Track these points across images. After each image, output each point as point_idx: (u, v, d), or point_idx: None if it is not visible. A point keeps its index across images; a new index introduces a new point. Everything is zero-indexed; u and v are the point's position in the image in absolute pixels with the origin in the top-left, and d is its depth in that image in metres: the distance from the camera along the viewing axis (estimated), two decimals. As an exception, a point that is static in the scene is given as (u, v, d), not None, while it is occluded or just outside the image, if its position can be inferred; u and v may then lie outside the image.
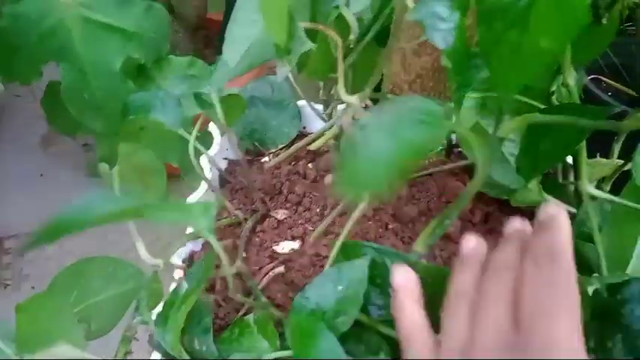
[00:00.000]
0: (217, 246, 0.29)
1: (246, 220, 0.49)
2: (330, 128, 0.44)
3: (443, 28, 0.29)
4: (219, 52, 0.53)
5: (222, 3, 0.94)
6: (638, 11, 1.06)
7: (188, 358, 0.35)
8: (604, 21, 0.39)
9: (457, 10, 0.29)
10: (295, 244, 0.47)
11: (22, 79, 0.62)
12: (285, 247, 0.47)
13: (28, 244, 0.31)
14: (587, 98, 0.87)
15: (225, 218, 0.50)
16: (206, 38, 1.00)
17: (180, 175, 0.69)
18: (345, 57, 0.45)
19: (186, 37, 0.92)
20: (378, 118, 0.31)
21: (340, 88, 0.38)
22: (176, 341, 0.34)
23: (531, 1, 0.28)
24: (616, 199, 0.41)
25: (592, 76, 0.90)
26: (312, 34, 0.43)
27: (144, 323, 0.36)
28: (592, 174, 0.49)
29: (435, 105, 0.31)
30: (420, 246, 0.36)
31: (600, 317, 0.32)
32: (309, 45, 0.36)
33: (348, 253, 0.38)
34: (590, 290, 0.32)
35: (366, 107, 0.40)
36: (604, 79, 0.94)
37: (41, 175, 1.04)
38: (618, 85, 0.95)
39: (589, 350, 0.31)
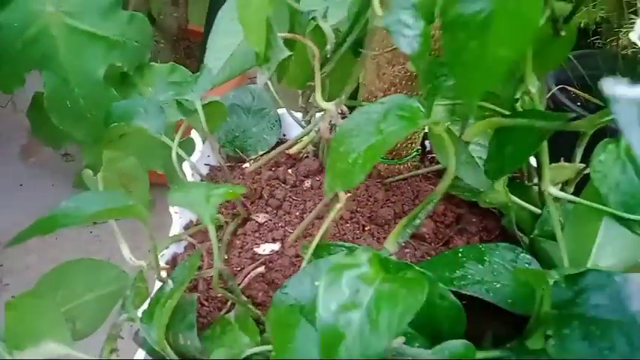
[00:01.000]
0: (214, 234, 0.31)
1: (227, 223, 0.51)
2: (308, 133, 0.46)
3: (408, 35, 0.31)
4: (200, 62, 0.55)
5: (202, 15, 0.96)
6: (604, 25, 1.11)
7: (173, 353, 0.36)
8: (562, 33, 0.42)
9: (422, 18, 0.31)
10: (275, 246, 0.49)
11: (5, 88, 0.63)
12: (265, 248, 0.49)
13: (20, 236, 0.32)
14: (557, 107, 0.91)
15: (207, 221, 0.51)
16: (187, 49, 1.01)
17: (168, 181, 0.70)
18: (322, 66, 0.47)
19: (168, 47, 0.94)
20: (366, 114, 0.33)
21: (317, 95, 0.41)
22: (161, 337, 0.36)
23: (491, 13, 0.30)
24: (576, 199, 0.43)
25: (560, 86, 0.94)
26: (290, 44, 0.45)
27: (130, 320, 0.37)
28: (556, 177, 0.51)
29: (414, 101, 0.34)
30: (390, 244, 0.38)
31: (559, 307, 0.34)
32: (287, 53, 0.38)
33: (321, 253, 0.40)
34: (551, 282, 0.35)
35: (342, 114, 0.42)
36: (572, 89, 0.98)
37: (21, 185, 1.04)
38: (586, 95, 0.99)
39: (547, 338, 0.34)
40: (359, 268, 0.29)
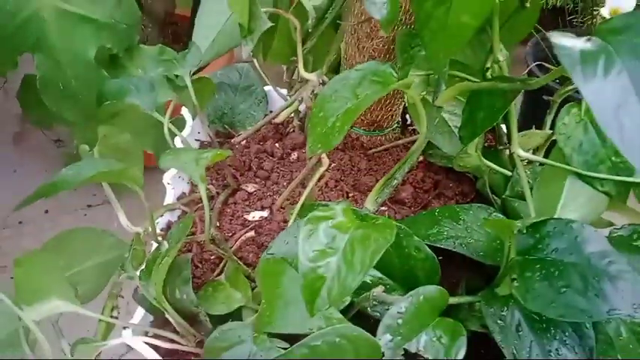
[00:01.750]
0: (204, 191, 0.34)
1: (218, 193, 0.54)
2: (293, 103, 0.49)
3: (377, 2, 0.34)
4: (188, 46, 0.57)
5: (189, 0, 0.98)
6: (581, 4, 1.14)
7: (170, 307, 0.39)
8: (527, 5, 0.45)
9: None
10: (265, 213, 0.52)
11: (-2, 70, 0.65)
12: (255, 215, 0.51)
13: (29, 198, 0.35)
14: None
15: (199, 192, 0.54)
16: (174, 34, 1.03)
17: (157, 161, 0.72)
18: (304, 42, 0.50)
19: (155, 32, 0.95)
20: (344, 80, 0.36)
21: (300, 66, 0.43)
22: (159, 292, 0.38)
23: (454, -16, 0.33)
24: (542, 159, 0.47)
25: (538, 63, 0.97)
26: (274, 21, 0.48)
27: (129, 278, 0.40)
28: (527, 143, 0.55)
29: (387, 67, 0.37)
30: (369, 203, 0.41)
31: (523, 253, 0.38)
32: (269, 24, 0.40)
33: (304, 214, 0.43)
34: (515, 231, 0.38)
35: (323, 84, 0.45)
36: (549, 66, 1.01)
37: (14, 171, 1.06)
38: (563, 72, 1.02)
39: (512, 281, 0.37)
40: (334, 219, 0.32)
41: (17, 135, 1.13)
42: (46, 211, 0.98)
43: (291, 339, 0.33)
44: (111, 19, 0.64)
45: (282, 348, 0.32)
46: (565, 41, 0.26)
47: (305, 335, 0.31)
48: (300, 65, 0.43)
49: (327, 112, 0.36)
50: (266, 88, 0.65)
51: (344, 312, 0.37)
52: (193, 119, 0.60)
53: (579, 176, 0.46)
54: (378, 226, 0.31)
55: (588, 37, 0.27)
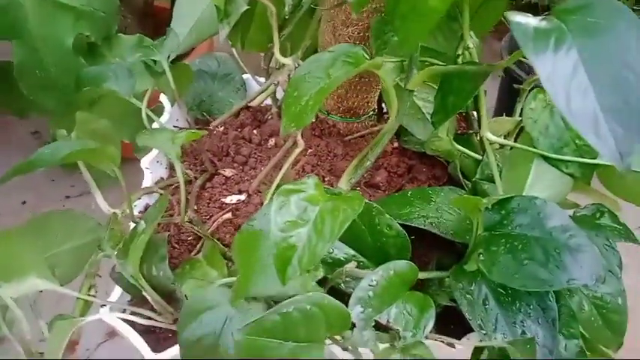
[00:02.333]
0: (180, 169, 0.35)
1: (196, 178, 0.55)
2: (269, 87, 0.50)
3: (348, -15, 0.35)
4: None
5: (170, -9, 0.98)
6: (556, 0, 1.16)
7: (147, 284, 0.40)
8: (496, -7, 0.47)
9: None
10: (242, 197, 0.52)
11: (-25, 57, 0.65)
12: (232, 199, 0.52)
13: (5, 176, 0.36)
14: (510, 76, 0.96)
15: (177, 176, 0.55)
16: (154, 25, 1.03)
17: (134, 151, 0.73)
18: (281, 29, 0.51)
19: (135, 22, 0.95)
20: (317, 62, 0.37)
21: (276, 51, 0.44)
22: (136, 269, 0.39)
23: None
24: (510, 143, 0.49)
25: (513, 57, 0.99)
26: (251, 10, 0.48)
27: (107, 256, 0.41)
28: (498, 129, 0.56)
29: (359, 49, 0.38)
30: (343, 183, 0.42)
31: (489, 229, 0.39)
32: (245, 7, 0.41)
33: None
34: (482, 208, 0.39)
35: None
36: (523, 59, 1.04)
37: (-9, 162, 1.05)
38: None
39: (479, 256, 0.39)
40: (305, 192, 0.33)
41: (-6, 127, 1.12)
42: (24, 202, 0.98)
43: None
44: (89, 6, 0.65)
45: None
46: (520, 19, 0.28)
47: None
48: (277, 50, 0.44)
49: (301, 91, 0.37)
50: (244, 76, 0.65)
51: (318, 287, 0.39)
52: (172, 106, 0.61)
53: (545, 159, 0.47)
54: (347, 199, 0.33)
55: (544, 16, 0.29)
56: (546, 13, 0.32)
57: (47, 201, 0.97)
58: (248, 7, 0.42)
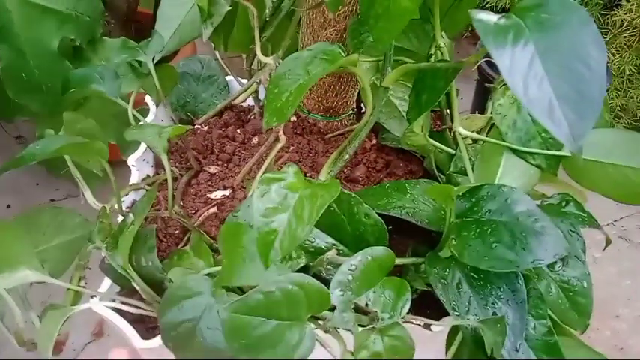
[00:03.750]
0: (167, 163, 0.36)
1: (182, 175, 0.56)
2: (251, 85, 0.52)
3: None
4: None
5: (151, -3, 0.99)
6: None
7: (136, 275, 0.41)
8: (465, -4, 0.50)
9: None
10: (227, 192, 0.54)
11: (-40, 61, 0.66)
12: (217, 194, 0.54)
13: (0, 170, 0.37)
14: (483, 76, 0.99)
15: (163, 174, 0.56)
16: (137, 30, 1.04)
17: (121, 152, 0.74)
18: (262, 31, 0.53)
19: (118, 27, 0.97)
20: (296, 59, 0.39)
21: (258, 51, 0.46)
22: (125, 260, 0.41)
23: (393, -30, 0.37)
24: (481, 137, 0.51)
25: (487, 60, 1.03)
26: (233, 12, 0.51)
27: (96, 248, 0.42)
28: (470, 126, 0.59)
29: (336, 48, 0.40)
30: (323, 175, 0.44)
31: (460, 216, 0.42)
32: (227, 7, 0.43)
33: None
34: (454, 196, 0.42)
35: (279, 67, 0.48)
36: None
37: (-25, 167, 1.05)
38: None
39: (452, 240, 0.41)
40: (285, 181, 0.35)
41: (-23, 133, 1.12)
42: (9, 206, 0.98)
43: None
44: (74, 11, 0.66)
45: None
46: (482, 16, 0.30)
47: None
48: (258, 50, 0.46)
49: (282, 87, 0.39)
50: (227, 78, 0.67)
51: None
52: (157, 107, 0.62)
53: (514, 152, 0.50)
54: (324, 186, 0.35)
55: (503, 14, 0.32)
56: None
57: (32, 204, 0.98)
58: (230, 7, 0.44)
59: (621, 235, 1.01)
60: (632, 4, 1.04)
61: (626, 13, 1.05)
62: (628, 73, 1.04)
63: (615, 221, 1.03)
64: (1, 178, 1.03)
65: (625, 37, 1.05)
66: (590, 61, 0.29)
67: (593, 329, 0.82)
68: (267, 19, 0.52)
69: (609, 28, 1.08)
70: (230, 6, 0.48)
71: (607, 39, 1.07)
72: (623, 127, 1.06)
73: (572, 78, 0.29)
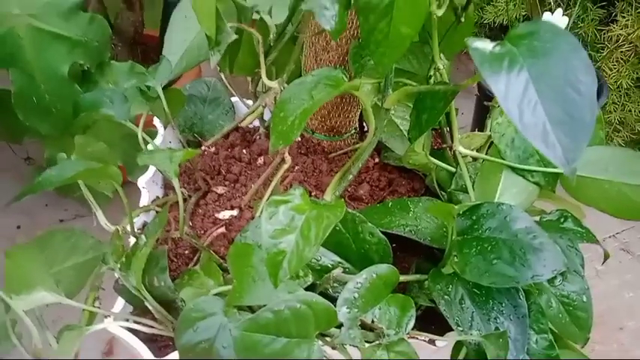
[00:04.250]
0: (178, 186, 0.38)
1: (190, 196, 0.58)
2: (257, 108, 0.54)
3: (327, 15, 0.39)
4: (157, 62, 0.61)
5: (157, 20, 1.02)
6: (525, 22, 1.23)
7: (149, 294, 0.43)
8: (462, 20, 0.52)
9: (337, 2, 0.39)
10: (234, 212, 0.56)
11: (-26, 87, 0.68)
12: (225, 214, 0.56)
13: (17, 197, 0.39)
14: (483, 92, 1.01)
15: (172, 195, 0.58)
16: (143, 52, 1.07)
17: (127, 173, 0.76)
18: (267, 54, 0.55)
19: (125, 50, 0.99)
20: (301, 84, 0.41)
21: (263, 75, 0.48)
22: (139, 280, 0.42)
23: (393, 0, 0.38)
24: (480, 155, 0.53)
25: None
26: (239, 36, 0.53)
27: (110, 269, 0.43)
28: (470, 144, 0.61)
29: (338, 72, 0.42)
30: (328, 195, 0.46)
31: (461, 233, 0.43)
32: (234, 37, 0.45)
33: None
34: (455, 215, 0.43)
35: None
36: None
37: (-16, 189, 1.07)
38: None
39: (454, 257, 0.42)
40: (292, 202, 0.36)
41: (-14, 154, 1.14)
42: (19, 227, 1.00)
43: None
44: (83, 37, 0.68)
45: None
46: (478, 44, 0.32)
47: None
48: (264, 74, 0.48)
49: (287, 112, 0.41)
50: (233, 99, 0.69)
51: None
52: (165, 129, 0.64)
53: (513, 169, 0.52)
54: (330, 207, 0.36)
55: (498, 42, 0.33)
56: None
57: (41, 225, 0.99)
58: (237, 36, 0.46)
59: (623, 247, 1.02)
60: (628, 20, 1.06)
61: (622, 29, 1.07)
62: (625, 87, 1.05)
63: (617, 233, 1.04)
64: (10, 198, 1.04)
65: (621, 51, 1.07)
66: (580, 86, 0.30)
67: (597, 342, 0.83)
68: (272, 44, 0.53)
69: (606, 43, 1.10)
70: (236, 32, 0.49)
71: (604, 54, 1.09)
72: (622, 140, 1.08)
73: (564, 103, 0.30)
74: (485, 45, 0.32)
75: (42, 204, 1.03)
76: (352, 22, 0.52)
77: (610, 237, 1.02)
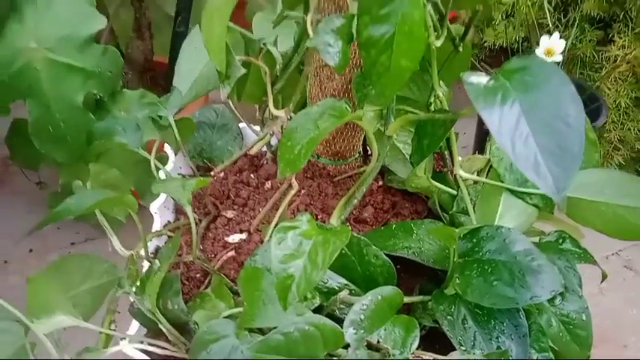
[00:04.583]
0: (191, 212, 0.40)
1: (200, 220, 0.60)
2: (265, 137, 0.56)
3: (331, 52, 0.42)
4: (165, 89, 0.64)
5: (165, 47, 1.05)
6: (525, 44, 1.25)
7: (163, 317, 0.45)
8: (460, 49, 0.54)
9: (341, 39, 0.42)
10: (243, 236, 0.58)
11: (-8, 117, 0.71)
12: (235, 238, 0.57)
13: (38, 225, 0.41)
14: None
15: (183, 220, 0.60)
16: (152, 79, 1.10)
17: (139, 197, 0.78)
18: (273, 84, 0.58)
19: (135, 77, 1.02)
20: (307, 115, 0.43)
21: (270, 104, 0.50)
22: (153, 304, 0.44)
23: (393, 35, 0.41)
24: (480, 179, 0.54)
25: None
26: (246, 66, 0.55)
27: (126, 293, 0.45)
28: (471, 167, 0.63)
29: (342, 104, 0.44)
30: (334, 219, 0.48)
31: (463, 256, 0.45)
32: (243, 71, 0.47)
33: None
34: (457, 238, 0.45)
35: (290, 119, 0.52)
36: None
37: (-2, 213, 1.10)
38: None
39: (456, 279, 0.44)
40: (300, 228, 0.38)
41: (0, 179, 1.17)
42: (31, 250, 1.02)
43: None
44: (97, 67, 0.71)
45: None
46: (473, 79, 0.34)
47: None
48: (271, 104, 0.50)
49: (294, 141, 0.43)
50: (241, 125, 0.72)
51: (315, 314, 0.44)
52: (175, 155, 0.66)
53: (512, 192, 0.53)
54: (336, 232, 0.38)
55: (492, 76, 0.35)
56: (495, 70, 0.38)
57: (53, 248, 1.02)
58: (245, 70, 0.49)
59: (626, 264, 1.03)
60: (624, 40, 1.09)
61: (619, 49, 1.09)
62: (624, 106, 1.07)
63: (620, 251, 1.05)
64: (23, 222, 1.07)
65: (619, 71, 1.09)
66: (569, 119, 0.32)
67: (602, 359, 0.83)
68: (278, 74, 0.56)
69: (604, 63, 1.12)
70: (244, 64, 0.52)
71: (602, 74, 1.11)
72: (622, 158, 1.09)
73: (554, 135, 0.32)
74: (479, 79, 0.35)
75: (54, 227, 1.06)
76: (355, 52, 0.55)
77: (613, 254, 1.03)
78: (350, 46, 0.43)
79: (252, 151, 0.56)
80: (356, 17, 0.42)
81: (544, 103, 0.33)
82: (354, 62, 0.56)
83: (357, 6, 0.42)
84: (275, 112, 0.49)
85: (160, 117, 0.61)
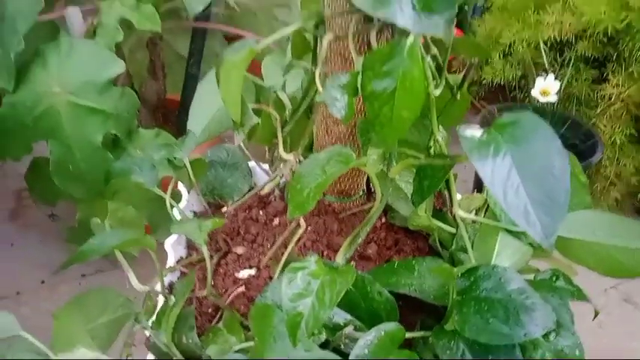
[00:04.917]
0: (206, 252, 0.43)
1: (212, 256, 0.63)
2: (275, 178, 0.59)
3: (338, 105, 0.45)
4: (177, 126, 0.68)
5: (177, 85, 1.10)
6: (523, 81, 1.30)
7: (177, 351, 0.47)
8: (458, 97, 0.58)
9: (347, 94, 0.45)
10: (253, 271, 0.61)
11: (15, 155, 0.75)
12: (244, 274, 0.60)
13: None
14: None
15: (195, 256, 0.63)
16: (164, 116, 1.15)
17: (152, 231, 0.81)
18: (283, 127, 0.61)
19: (148, 114, 1.07)
20: (315, 160, 0.47)
21: (280, 149, 0.54)
22: (169, 338, 0.47)
23: (394, 89, 0.44)
24: (478, 218, 0.57)
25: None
26: (258, 111, 0.59)
27: (143, 328, 0.48)
28: (469, 205, 0.66)
29: (348, 150, 0.48)
30: (339, 258, 0.51)
31: (461, 293, 0.47)
32: (256, 120, 0.51)
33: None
34: (456, 276, 0.47)
35: (299, 162, 0.55)
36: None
37: (12, 244, 1.13)
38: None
39: (454, 315, 0.46)
40: (309, 268, 0.41)
41: (14, 211, 1.20)
42: (43, 282, 1.05)
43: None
44: (116, 109, 0.75)
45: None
46: (467, 132, 0.37)
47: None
48: (281, 148, 0.54)
49: (303, 185, 0.46)
50: (250, 163, 0.75)
51: (322, 349, 0.46)
52: (189, 192, 0.70)
53: (508, 231, 0.56)
54: (342, 272, 0.41)
55: (485, 129, 0.39)
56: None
57: (65, 280, 1.04)
58: (258, 119, 0.52)
59: (625, 298, 1.05)
60: (618, 79, 1.13)
61: (613, 87, 1.13)
62: (619, 142, 1.11)
63: (618, 284, 1.07)
64: (35, 253, 1.10)
65: (614, 109, 1.13)
66: (555, 171, 0.35)
67: (603, 392, 0.84)
68: (287, 119, 0.60)
69: (599, 101, 1.16)
70: (255, 111, 0.56)
71: (597, 111, 1.15)
72: (619, 193, 1.12)
73: (542, 185, 0.35)
74: (474, 133, 0.38)
75: (65, 258, 1.09)
76: (359, 100, 0.58)
77: (611, 288, 1.05)
78: (355, 100, 0.47)
79: (264, 192, 0.59)
80: (360, 73, 0.46)
81: (533, 156, 0.36)
82: (358, 108, 0.60)
83: (361, 61, 0.46)
84: (285, 155, 0.53)
85: (175, 158, 0.65)
